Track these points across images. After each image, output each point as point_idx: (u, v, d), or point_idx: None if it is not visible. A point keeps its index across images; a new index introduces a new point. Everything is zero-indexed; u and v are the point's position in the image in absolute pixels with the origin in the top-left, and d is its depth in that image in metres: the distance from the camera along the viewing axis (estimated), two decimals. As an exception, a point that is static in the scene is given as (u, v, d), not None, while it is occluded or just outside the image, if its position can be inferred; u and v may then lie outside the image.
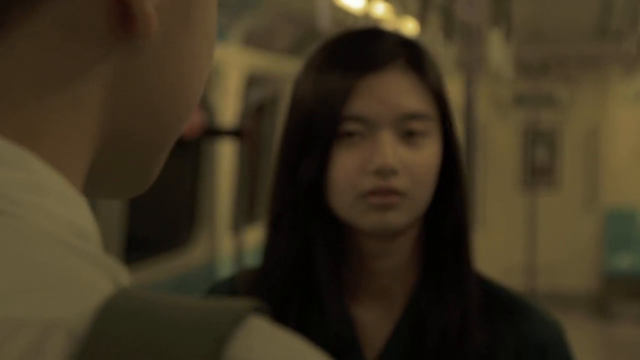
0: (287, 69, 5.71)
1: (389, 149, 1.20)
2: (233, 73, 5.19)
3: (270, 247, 1.30)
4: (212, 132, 4.74)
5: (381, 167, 1.19)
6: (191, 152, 5.26)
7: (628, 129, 9.03)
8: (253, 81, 5.36)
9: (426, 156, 1.23)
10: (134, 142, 0.53)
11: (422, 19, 3.69)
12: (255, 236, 5.67)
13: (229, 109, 5.08)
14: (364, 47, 1.25)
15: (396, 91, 1.22)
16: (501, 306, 1.30)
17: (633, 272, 8.87)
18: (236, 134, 4.25)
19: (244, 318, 0.42)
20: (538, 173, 8.95)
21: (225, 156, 5.14)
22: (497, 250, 7.70)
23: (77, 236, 0.46)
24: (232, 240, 5.05)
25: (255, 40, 5.40)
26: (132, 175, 0.55)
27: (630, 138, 9.04)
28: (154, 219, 5.37)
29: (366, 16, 4.44)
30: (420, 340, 1.26)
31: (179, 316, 0.42)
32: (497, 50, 3.51)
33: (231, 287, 1.34)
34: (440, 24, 4.10)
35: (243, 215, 4.57)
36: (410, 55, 1.25)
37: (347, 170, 1.21)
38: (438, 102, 1.26)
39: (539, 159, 8.97)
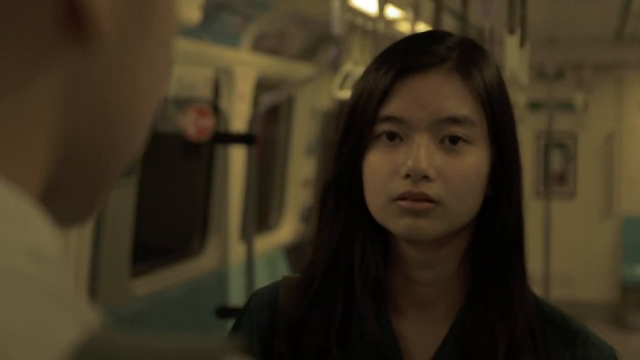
0: (299, 73, 5.67)
1: (423, 153, 1.15)
2: (244, 78, 5.15)
3: (315, 245, 1.28)
4: (223, 137, 4.69)
5: (412, 171, 1.15)
6: (203, 159, 5.22)
7: (645, 135, 8.95)
8: (264, 86, 5.31)
9: (467, 164, 1.17)
10: (88, 157, 0.48)
11: (436, 24, 3.62)
12: (266, 244, 5.63)
13: (239, 114, 5.04)
14: (413, 49, 1.22)
15: (436, 94, 1.18)
16: (556, 330, 1.25)
17: (650, 282, 8.79)
18: (247, 139, 4.21)
19: None
20: (553, 180, 8.88)
21: (237, 162, 5.10)
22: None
23: (37, 263, 0.41)
24: (243, 248, 5.00)
25: (266, 45, 5.36)
26: (87, 194, 0.50)
27: (648, 144, 8.96)
28: (166, 227, 5.33)
29: (380, 20, 4.38)
30: None
31: None
32: (512, 56, 3.45)
33: (272, 295, 1.31)
34: (455, 28, 4.03)
35: (254, 223, 4.52)
36: (460, 58, 1.20)
37: (379, 171, 1.18)
38: (486, 108, 1.20)
39: (553, 165, 8.89)
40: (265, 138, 6.18)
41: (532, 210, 7.43)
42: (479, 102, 1.19)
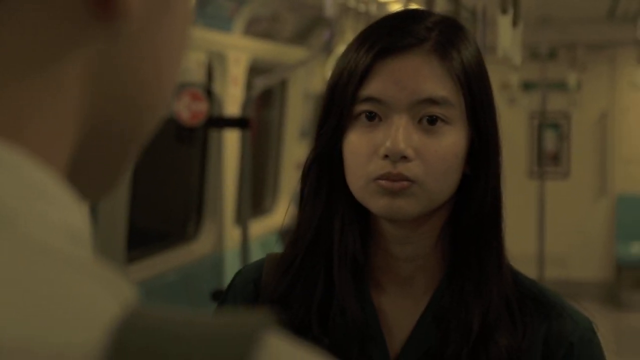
0: (292, 56, 5.66)
1: (401, 134, 1.17)
2: (236, 62, 5.14)
3: (298, 224, 1.29)
4: (216, 121, 4.69)
5: (390, 151, 1.16)
6: (197, 144, 5.22)
7: (639, 115, 8.94)
8: (257, 69, 5.31)
9: (445, 144, 1.19)
10: (111, 134, 0.50)
11: (428, 4, 3.62)
12: (260, 228, 5.64)
13: (233, 98, 5.04)
14: (393, 29, 1.22)
15: (415, 75, 1.19)
16: (533, 302, 1.27)
17: (644, 261, 8.82)
18: (240, 122, 4.21)
19: (260, 337, 0.39)
20: (547, 160, 8.88)
21: (231, 146, 5.10)
22: (505, 239, 7.59)
23: (73, 242, 0.43)
24: (238, 233, 5.01)
25: (259, 29, 5.35)
26: (105, 174, 0.52)
27: (641, 122, 8.97)
28: (161, 213, 5.33)
29: (372, 1, 4.38)
30: (443, 337, 1.24)
31: (193, 338, 0.39)
32: (505, 36, 3.44)
33: (257, 271, 1.33)
34: (447, 9, 4.03)
35: (248, 207, 4.52)
36: (439, 39, 1.21)
37: (359, 151, 1.19)
38: (464, 89, 1.21)
39: (547, 145, 8.89)
40: (259, 122, 6.18)
41: (526, 190, 7.51)
42: (457, 83, 1.20)
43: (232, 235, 5.15)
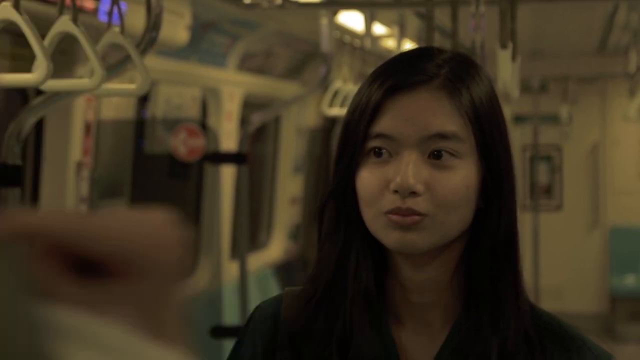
0: (286, 91, 5.67)
1: (410, 169, 1.19)
2: (231, 97, 5.14)
3: (317, 260, 1.31)
4: (214, 157, 4.69)
5: (400, 187, 1.19)
6: (192, 179, 5.21)
7: (630, 146, 8.98)
8: (251, 104, 5.31)
9: (455, 177, 1.21)
10: None
11: (425, 41, 3.64)
12: (256, 263, 5.61)
13: (227, 133, 5.03)
14: (404, 67, 1.25)
15: (424, 111, 1.21)
16: (553, 336, 1.28)
17: (639, 293, 8.80)
18: (238, 158, 4.20)
19: None
20: (539, 192, 8.90)
21: (226, 181, 5.09)
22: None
23: None
24: (234, 267, 4.99)
25: (253, 64, 5.36)
26: None
27: (633, 155, 8.99)
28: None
29: (367, 37, 4.40)
30: None
31: None
32: (505, 70, 3.46)
33: (275, 307, 1.35)
34: (443, 45, 4.04)
35: (246, 242, 4.51)
36: (448, 76, 1.23)
37: (370, 186, 1.22)
38: (473, 124, 1.23)
39: (540, 178, 8.92)
40: (253, 156, 6.17)
41: (520, 222, 7.44)
42: (466, 118, 1.22)
43: (229, 270, 5.12)
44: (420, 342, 1.29)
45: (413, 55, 1.29)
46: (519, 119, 8.87)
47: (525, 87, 8.41)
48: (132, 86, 2.47)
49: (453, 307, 1.28)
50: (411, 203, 1.18)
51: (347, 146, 1.25)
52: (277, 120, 6.22)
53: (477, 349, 1.24)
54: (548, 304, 8.50)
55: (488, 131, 1.24)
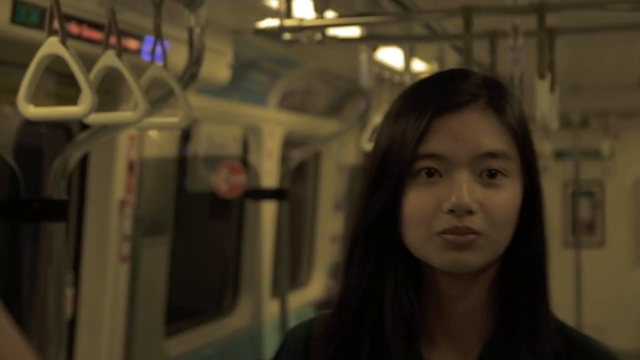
0: (326, 129, 5.70)
1: (465, 188, 1.19)
2: (271, 135, 5.18)
3: (343, 285, 1.31)
4: (255, 193, 4.72)
5: (456, 206, 1.19)
6: (234, 216, 5.24)
7: (673, 180, 8.91)
8: (292, 142, 5.34)
9: (505, 196, 1.22)
10: None
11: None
12: (296, 301, 5.61)
13: (268, 171, 5.06)
14: (444, 87, 1.25)
15: (474, 130, 1.22)
16: (582, 354, 1.28)
17: (683, 330, 8.69)
18: (278, 194, 4.22)
19: None
20: (582, 228, 8.83)
21: (267, 218, 5.11)
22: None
23: None
24: (275, 305, 4.99)
25: (293, 102, 5.40)
26: None
27: (676, 189, 8.92)
28: (198, 286, 5.33)
29: (406, 73, 4.41)
30: None
31: None
32: (544, 102, 3.45)
33: (307, 330, 1.36)
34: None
35: (287, 279, 4.51)
36: (491, 95, 1.25)
37: (421, 207, 1.21)
38: (518, 142, 1.24)
39: (582, 214, 8.86)
40: (293, 195, 6.20)
41: (562, 259, 7.41)
42: (512, 136, 1.24)
43: (270, 308, 5.13)
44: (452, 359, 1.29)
45: (449, 77, 1.29)
46: (560, 155, 8.83)
47: (565, 123, 8.39)
48: (174, 119, 2.50)
49: (486, 325, 1.28)
50: (468, 222, 1.19)
51: (390, 169, 1.24)
52: (317, 158, 6.25)
53: None
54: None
55: (529, 150, 1.25)
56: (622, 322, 8.90)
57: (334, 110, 6.02)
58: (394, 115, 1.28)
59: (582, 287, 7.60)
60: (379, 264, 1.27)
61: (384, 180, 1.25)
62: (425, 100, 1.24)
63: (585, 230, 8.98)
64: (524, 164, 1.25)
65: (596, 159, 8.90)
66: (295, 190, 6.32)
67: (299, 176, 6.39)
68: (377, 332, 1.27)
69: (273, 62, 4.83)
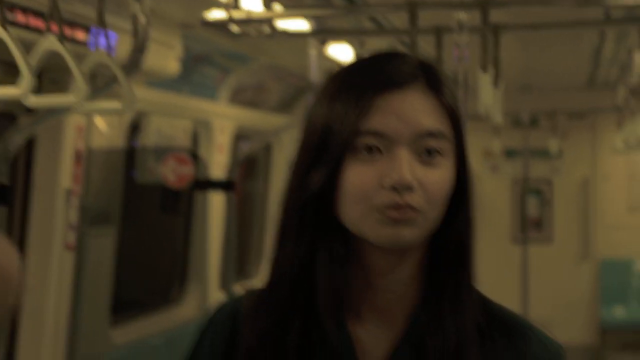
0: (277, 124, 5.73)
1: (406, 166, 1.22)
2: (222, 130, 5.20)
3: (276, 260, 1.31)
4: (202, 184, 4.74)
5: (398, 183, 1.21)
6: (182, 208, 5.25)
7: (620, 181, 9.04)
8: (243, 137, 5.36)
9: (441, 175, 1.25)
10: None
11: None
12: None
13: (218, 164, 5.08)
14: (384, 67, 1.27)
15: (415, 110, 1.24)
16: (502, 326, 1.31)
17: (629, 323, 8.82)
18: (226, 185, 4.25)
19: None
20: (530, 225, 8.95)
21: (216, 211, 5.13)
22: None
23: None
24: (222, 296, 5.01)
25: (244, 97, 5.42)
26: None
27: (623, 188, 9.05)
28: (145, 277, 5.33)
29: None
30: None
31: None
32: (486, 94, 3.51)
33: (234, 307, 1.35)
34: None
35: (233, 270, 4.54)
36: (428, 76, 1.27)
37: (362, 183, 1.23)
38: (454, 123, 1.28)
39: (530, 211, 8.98)
40: (244, 192, 6.22)
41: (510, 255, 7.50)
42: (448, 117, 1.27)
43: (217, 299, 5.15)
44: (378, 336, 1.30)
45: (385, 58, 1.31)
46: (510, 153, 8.93)
47: (515, 122, 8.51)
48: (117, 105, 2.51)
49: (412, 300, 1.30)
50: (408, 199, 1.21)
51: (331, 146, 1.25)
52: (268, 152, 6.28)
53: (436, 339, 1.27)
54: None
55: (462, 130, 1.29)
56: (568, 316, 9.02)
57: (286, 106, 6.05)
58: (330, 94, 1.28)
59: (530, 282, 7.70)
60: (313, 239, 1.28)
61: (322, 157, 1.25)
62: (366, 79, 1.25)
63: (533, 227, 9.09)
64: (457, 144, 1.28)
65: (545, 158, 9.01)
66: (247, 186, 6.35)
67: (251, 171, 6.42)
68: (309, 308, 1.28)
69: (224, 56, 4.85)
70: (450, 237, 1.29)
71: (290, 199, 1.30)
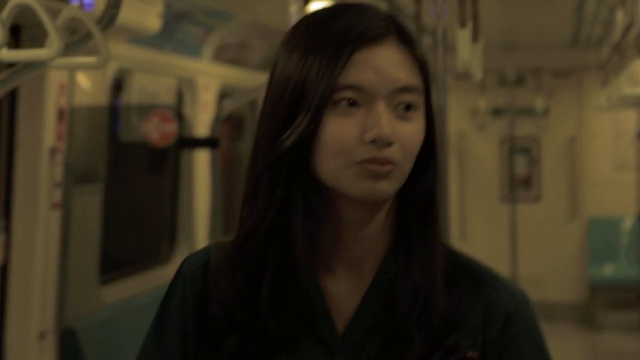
0: (261, 83, 5.75)
1: (386, 121, 1.23)
2: (206, 88, 5.22)
3: (248, 214, 1.30)
4: (186, 142, 4.77)
5: (378, 137, 1.22)
6: (169, 167, 5.28)
7: (606, 138, 9.08)
8: (226, 94, 5.39)
9: (415, 129, 1.27)
10: None
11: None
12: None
13: (203, 123, 5.11)
14: (357, 20, 1.27)
15: (392, 64, 1.26)
16: (469, 276, 1.34)
17: (617, 281, 8.88)
18: (210, 142, 4.28)
19: None
20: (518, 184, 8.99)
21: (201, 169, 5.16)
22: (480, 260, 7.65)
23: None
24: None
25: (228, 55, 5.44)
26: None
27: (609, 146, 9.09)
28: (134, 236, 5.37)
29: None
30: (388, 308, 1.29)
31: None
32: (464, 50, 3.53)
33: (205, 257, 1.36)
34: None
35: (220, 227, 4.58)
36: (399, 30, 1.28)
37: (341, 137, 1.24)
38: (424, 76, 1.30)
39: (518, 170, 9.01)
40: (232, 152, 6.25)
41: (498, 215, 7.53)
42: (419, 70, 1.29)
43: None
44: (348, 286, 1.32)
45: (355, 11, 1.30)
46: (496, 112, 8.96)
47: (501, 80, 8.53)
48: (92, 59, 2.53)
49: (381, 251, 1.32)
50: (387, 152, 1.23)
51: (307, 100, 1.24)
52: (254, 113, 6.30)
53: (405, 286, 1.29)
54: (528, 294, 8.54)
55: (429, 84, 1.31)
56: (556, 274, 9.09)
57: (270, 64, 6.05)
58: (302, 48, 1.27)
59: (519, 241, 7.75)
60: (286, 193, 1.28)
61: (298, 111, 1.25)
62: (341, 33, 1.25)
63: (521, 185, 9.13)
64: (427, 97, 1.30)
65: (532, 116, 9.04)
66: (235, 146, 6.38)
67: (239, 133, 6.44)
68: (280, 262, 1.29)
69: (206, 14, 4.87)
70: (420, 188, 1.31)
71: (263, 153, 1.29)
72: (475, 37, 3.76)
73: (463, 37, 3.62)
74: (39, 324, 3.89)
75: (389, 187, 1.25)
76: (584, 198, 9.13)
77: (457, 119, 8.37)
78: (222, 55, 5.35)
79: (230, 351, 1.30)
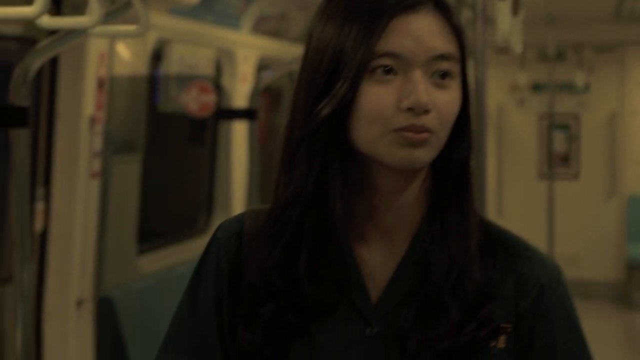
0: (299, 53, 5.74)
1: (424, 88, 1.24)
2: (245, 59, 5.23)
3: (285, 183, 1.31)
4: (225, 113, 4.78)
5: (416, 105, 1.23)
6: (207, 138, 5.30)
7: (647, 114, 8.98)
8: (265, 66, 5.39)
9: (452, 97, 1.28)
10: None
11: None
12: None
13: (241, 95, 5.12)
14: None
15: (429, 32, 1.26)
16: (502, 247, 1.35)
17: (656, 260, 8.82)
18: (248, 113, 4.29)
19: None
20: (557, 161, 8.92)
21: (239, 140, 5.18)
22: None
23: None
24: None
25: (267, 27, 5.43)
26: None
27: (651, 123, 8.98)
28: (172, 206, 5.41)
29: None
30: (423, 278, 1.30)
31: None
32: (504, 22, 3.49)
33: (238, 225, 1.37)
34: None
35: (257, 198, 4.60)
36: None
37: (379, 104, 1.25)
38: (460, 45, 1.30)
39: (557, 146, 8.93)
40: (270, 125, 6.26)
41: (537, 191, 7.47)
42: (456, 39, 1.29)
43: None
44: (382, 255, 1.33)
45: None
46: (536, 87, 8.88)
47: (541, 55, 8.44)
48: (132, 27, 2.55)
49: (415, 220, 1.33)
50: (424, 120, 1.24)
51: (346, 68, 1.24)
52: (293, 84, 6.30)
53: (439, 256, 1.30)
54: (565, 272, 8.49)
55: (466, 54, 1.30)
56: (594, 253, 9.03)
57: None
58: (339, 17, 1.27)
59: (556, 218, 7.69)
60: (324, 163, 1.28)
61: (336, 80, 1.25)
62: (378, 1, 1.26)
63: (560, 162, 9.06)
64: (462, 67, 1.30)
65: (572, 92, 8.95)
66: (274, 119, 6.38)
67: (277, 105, 6.45)
68: (317, 232, 1.29)
69: (246, -15, 4.86)
70: (455, 158, 1.32)
71: (300, 123, 1.30)
72: (515, 10, 3.72)
73: (503, 9, 3.58)
74: (77, 291, 3.94)
75: (425, 154, 1.25)
76: (623, 176, 9.04)
77: (496, 93, 8.32)
78: (262, 26, 5.34)
79: (266, 318, 1.31)
